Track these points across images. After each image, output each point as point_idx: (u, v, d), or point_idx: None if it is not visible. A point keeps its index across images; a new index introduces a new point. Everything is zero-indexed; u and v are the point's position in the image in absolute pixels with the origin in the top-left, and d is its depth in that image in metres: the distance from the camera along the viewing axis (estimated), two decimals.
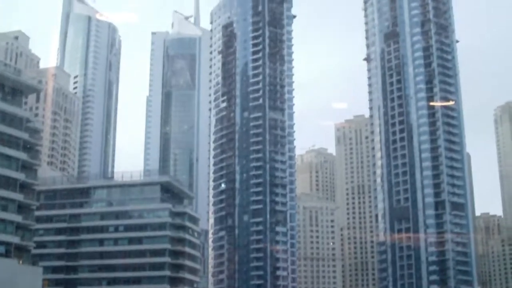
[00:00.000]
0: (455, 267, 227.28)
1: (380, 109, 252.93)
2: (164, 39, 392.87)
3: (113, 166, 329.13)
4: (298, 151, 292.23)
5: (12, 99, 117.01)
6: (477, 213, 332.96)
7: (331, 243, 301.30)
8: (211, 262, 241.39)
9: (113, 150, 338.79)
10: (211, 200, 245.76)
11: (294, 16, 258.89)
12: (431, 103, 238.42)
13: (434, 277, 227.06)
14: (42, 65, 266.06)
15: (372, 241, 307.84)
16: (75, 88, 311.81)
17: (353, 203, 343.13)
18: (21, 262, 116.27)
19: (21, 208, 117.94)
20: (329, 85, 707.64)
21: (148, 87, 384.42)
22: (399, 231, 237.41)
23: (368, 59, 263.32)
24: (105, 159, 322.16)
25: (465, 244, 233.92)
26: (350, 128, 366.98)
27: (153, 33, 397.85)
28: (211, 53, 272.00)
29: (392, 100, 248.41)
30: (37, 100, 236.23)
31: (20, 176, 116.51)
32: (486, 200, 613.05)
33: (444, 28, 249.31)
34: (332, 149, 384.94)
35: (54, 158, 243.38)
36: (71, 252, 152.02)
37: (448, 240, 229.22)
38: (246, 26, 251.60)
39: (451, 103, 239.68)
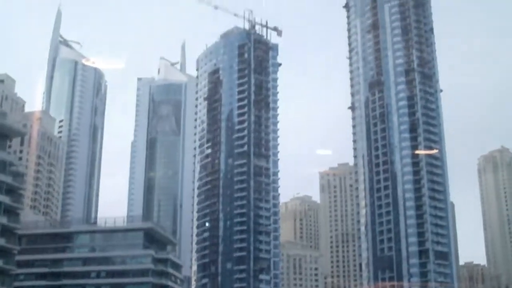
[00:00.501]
0: None
1: (365, 157, 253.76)
2: (150, 85, 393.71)
3: (96, 211, 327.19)
4: (282, 199, 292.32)
5: None
6: (461, 262, 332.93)
7: None
8: None
9: (97, 195, 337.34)
10: (195, 246, 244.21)
11: (280, 64, 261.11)
12: (415, 152, 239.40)
13: None
14: (27, 109, 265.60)
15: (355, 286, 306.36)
16: (60, 132, 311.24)
17: (337, 251, 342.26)
18: None
19: (2, 252, 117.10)
20: (314, 133, 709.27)
21: (133, 132, 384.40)
22: (383, 280, 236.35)
23: (352, 107, 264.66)
24: (89, 204, 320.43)
25: None
26: (334, 176, 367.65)
27: (139, 79, 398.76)
28: (196, 99, 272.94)
29: (377, 148, 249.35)
30: (22, 143, 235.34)
31: (2, 219, 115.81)
32: (470, 249, 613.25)
33: (428, 77, 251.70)
34: (316, 197, 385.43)
35: (37, 202, 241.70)
36: None
37: None
38: (232, 73, 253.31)
39: (435, 151, 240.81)
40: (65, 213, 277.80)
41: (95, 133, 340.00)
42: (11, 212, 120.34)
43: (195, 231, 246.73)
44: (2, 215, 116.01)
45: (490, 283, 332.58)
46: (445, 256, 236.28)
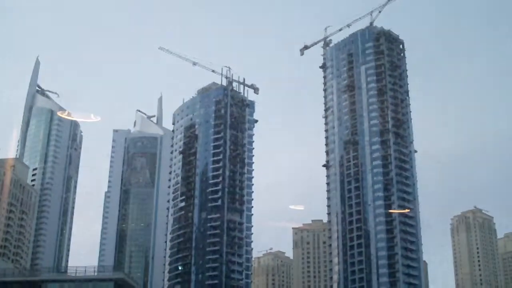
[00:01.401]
0: None
1: (338, 215, 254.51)
2: (126, 137, 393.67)
3: (67, 260, 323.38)
4: (255, 253, 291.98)
5: None
6: None
7: None
8: None
9: (68, 244, 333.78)
10: None
11: (256, 121, 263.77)
12: (389, 211, 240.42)
13: None
14: (1, 156, 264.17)
15: None
16: (33, 180, 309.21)
17: None
18: None
19: None
20: (288, 189, 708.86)
21: (107, 183, 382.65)
22: None
23: (327, 165, 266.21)
24: (59, 252, 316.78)
25: None
26: (308, 232, 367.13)
27: (115, 131, 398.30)
28: (172, 152, 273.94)
29: (350, 206, 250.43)
30: None
31: None
32: None
33: (403, 138, 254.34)
34: (289, 253, 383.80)
35: (7, 250, 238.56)
36: None
37: None
38: (208, 128, 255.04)
39: (407, 211, 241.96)
40: (35, 261, 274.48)
41: (68, 182, 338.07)
42: None
43: (166, 283, 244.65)
44: None
45: None
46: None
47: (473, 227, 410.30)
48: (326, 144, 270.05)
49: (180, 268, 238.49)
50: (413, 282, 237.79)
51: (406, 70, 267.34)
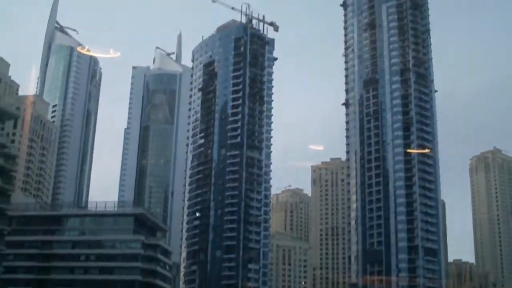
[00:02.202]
0: None
1: (357, 153, 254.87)
2: (145, 74, 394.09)
3: (87, 196, 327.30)
4: (274, 191, 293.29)
5: None
6: (450, 259, 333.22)
7: (303, 282, 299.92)
8: None
9: (88, 180, 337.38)
10: (185, 234, 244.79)
11: (275, 59, 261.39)
12: (408, 151, 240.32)
13: None
14: (21, 93, 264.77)
15: (344, 282, 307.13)
16: (53, 117, 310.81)
17: (327, 244, 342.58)
18: None
19: None
20: (307, 127, 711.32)
21: (126, 119, 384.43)
22: (372, 273, 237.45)
23: (346, 104, 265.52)
24: (80, 188, 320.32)
25: None
26: (326, 170, 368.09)
27: (134, 67, 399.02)
28: (191, 90, 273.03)
29: (369, 145, 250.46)
30: (14, 126, 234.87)
31: None
32: (459, 247, 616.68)
33: (423, 77, 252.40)
34: (307, 190, 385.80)
35: (28, 185, 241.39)
36: (41, 278, 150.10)
37: (420, 285, 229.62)
38: (227, 65, 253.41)
39: (427, 151, 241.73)
40: (56, 196, 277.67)
41: (88, 119, 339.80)
42: (2, 194, 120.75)
43: (185, 218, 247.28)
44: None
45: (478, 281, 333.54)
46: (434, 253, 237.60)
47: (492, 167, 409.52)
48: (346, 83, 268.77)
49: (197, 214, 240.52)
50: (430, 220, 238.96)
51: (428, 9, 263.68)
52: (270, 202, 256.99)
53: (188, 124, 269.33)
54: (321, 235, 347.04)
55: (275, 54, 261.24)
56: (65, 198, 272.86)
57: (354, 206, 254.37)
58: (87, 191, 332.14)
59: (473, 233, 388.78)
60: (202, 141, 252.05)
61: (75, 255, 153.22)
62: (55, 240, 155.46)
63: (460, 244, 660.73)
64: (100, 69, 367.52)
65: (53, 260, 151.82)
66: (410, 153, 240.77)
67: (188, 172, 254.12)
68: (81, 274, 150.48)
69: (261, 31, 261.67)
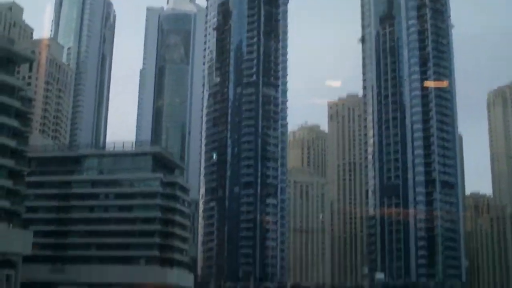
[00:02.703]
0: (444, 243, 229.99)
1: (374, 89, 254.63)
2: (159, 15, 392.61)
3: (105, 137, 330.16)
4: (290, 127, 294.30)
5: (5, 68, 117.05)
6: (467, 193, 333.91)
7: (321, 216, 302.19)
8: (201, 231, 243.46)
9: (105, 121, 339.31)
10: (202, 171, 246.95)
11: None
12: (425, 84, 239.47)
13: (422, 252, 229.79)
14: (35, 36, 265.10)
15: (361, 216, 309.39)
16: (68, 59, 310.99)
17: (344, 179, 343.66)
18: (11, 226, 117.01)
19: (12, 174, 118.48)
20: (323, 64, 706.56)
21: (141, 60, 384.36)
22: (389, 207, 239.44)
23: (363, 40, 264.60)
24: (97, 130, 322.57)
25: (454, 221, 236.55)
26: (343, 106, 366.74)
27: (148, 8, 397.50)
28: (206, 29, 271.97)
29: (386, 80, 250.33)
30: (30, 70, 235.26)
31: (11, 142, 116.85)
32: (476, 180, 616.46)
33: (440, 13, 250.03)
34: (324, 126, 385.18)
35: (45, 127, 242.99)
36: (62, 217, 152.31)
37: (437, 217, 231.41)
38: (241, 4, 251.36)
39: (444, 83, 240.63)
40: (73, 138, 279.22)
41: (103, 60, 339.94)
42: (20, 136, 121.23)
43: (203, 156, 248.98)
44: (11, 138, 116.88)
45: (495, 213, 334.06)
46: (451, 186, 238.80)
47: (510, 101, 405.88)
48: (362, 19, 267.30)
49: (214, 156, 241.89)
50: (447, 154, 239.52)
51: None
52: (287, 139, 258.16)
53: (203, 63, 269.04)
54: (338, 170, 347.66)
55: None
56: (82, 139, 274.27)
57: (371, 141, 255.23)
58: (105, 133, 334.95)
59: (490, 166, 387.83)
60: (217, 80, 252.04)
61: (94, 194, 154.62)
62: (74, 180, 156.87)
63: (477, 177, 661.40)
64: (114, 11, 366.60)
65: (73, 199, 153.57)
66: (427, 88, 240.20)
67: (205, 111, 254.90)
68: (100, 213, 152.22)
69: None
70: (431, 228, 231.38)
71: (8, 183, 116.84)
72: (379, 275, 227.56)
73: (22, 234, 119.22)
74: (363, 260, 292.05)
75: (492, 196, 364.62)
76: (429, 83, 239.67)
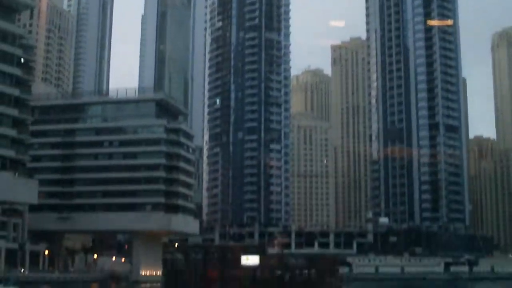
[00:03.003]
0: (447, 187, 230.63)
1: (377, 32, 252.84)
2: None
3: (107, 84, 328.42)
4: (293, 72, 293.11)
5: (5, 16, 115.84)
6: (471, 136, 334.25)
7: (325, 161, 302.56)
8: (205, 177, 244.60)
9: (108, 68, 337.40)
10: (206, 117, 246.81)
11: None
12: (429, 23, 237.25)
13: (426, 196, 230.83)
14: None
15: (365, 159, 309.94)
16: (69, 6, 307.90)
17: (347, 123, 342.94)
18: (17, 175, 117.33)
19: (16, 123, 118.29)
20: (326, 7, 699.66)
21: (143, 6, 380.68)
22: (393, 151, 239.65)
23: None
24: (100, 77, 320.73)
25: (458, 165, 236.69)
26: (346, 49, 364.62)
27: None
28: None
29: (389, 23, 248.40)
30: (31, 17, 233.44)
31: (14, 91, 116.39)
32: (480, 123, 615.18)
33: None
34: (327, 71, 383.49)
35: (48, 75, 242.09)
36: (67, 166, 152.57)
37: (441, 161, 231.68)
38: None
39: (448, 22, 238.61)
40: (76, 85, 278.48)
41: (104, 7, 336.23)
42: (23, 84, 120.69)
43: (206, 102, 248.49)
44: (14, 87, 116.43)
45: (498, 157, 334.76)
46: (455, 129, 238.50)
47: None
48: None
49: (217, 102, 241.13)
50: (451, 97, 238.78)
51: None
52: (290, 83, 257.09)
53: (205, 7, 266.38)
54: (341, 114, 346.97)
55: None
56: (85, 87, 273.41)
57: (374, 85, 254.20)
58: (107, 80, 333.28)
59: (494, 109, 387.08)
60: (220, 24, 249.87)
61: (98, 142, 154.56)
62: (78, 128, 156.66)
63: (481, 121, 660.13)
64: None
65: (77, 147, 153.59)
66: (430, 30, 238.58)
67: (207, 56, 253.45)
68: (105, 160, 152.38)
69: None
70: (435, 172, 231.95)
71: (12, 132, 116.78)
72: (383, 219, 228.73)
73: (27, 183, 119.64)
74: (367, 205, 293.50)
75: (496, 139, 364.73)
76: (433, 22, 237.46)
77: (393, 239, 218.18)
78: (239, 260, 61.20)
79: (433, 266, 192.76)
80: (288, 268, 61.30)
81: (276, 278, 60.60)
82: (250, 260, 60.41)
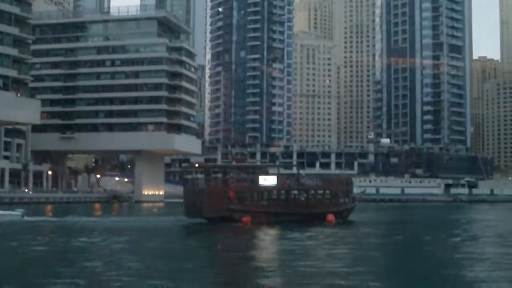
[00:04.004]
0: (449, 108, 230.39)
1: None
2: None
3: (109, 1, 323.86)
4: None
5: None
6: (475, 57, 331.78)
7: (327, 81, 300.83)
8: (207, 96, 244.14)
9: None
10: (208, 36, 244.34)
11: None
12: None
13: (428, 117, 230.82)
14: None
15: (368, 79, 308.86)
16: None
17: (351, 42, 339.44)
18: (19, 94, 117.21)
19: (17, 42, 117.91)
20: None
21: None
22: (396, 71, 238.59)
23: None
24: None
25: (460, 86, 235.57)
26: None
27: None
28: None
29: None
30: None
31: (14, 9, 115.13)
32: (484, 44, 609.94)
33: None
34: None
35: None
36: (68, 85, 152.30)
37: (444, 82, 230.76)
38: None
39: None
40: (77, 3, 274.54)
41: None
42: (23, 2, 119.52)
43: (208, 20, 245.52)
44: (14, 4, 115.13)
45: (502, 78, 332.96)
46: (459, 49, 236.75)
47: None
48: None
49: (220, 20, 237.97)
50: (456, 17, 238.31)
51: None
52: (293, 1, 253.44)
53: None
54: (345, 33, 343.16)
55: None
56: (87, 5, 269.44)
57: (378, 3, 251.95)
58: None
59: (499, 30, 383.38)
60: None
61: (100, 61, 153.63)
62: (79, 47, 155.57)
63: (485, 42, 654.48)
64: None
65: (79, 67, 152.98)
66: None
67: None
68: (107, 80, 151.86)
69: None
70: (438, 93, 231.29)
71: (14, 52, 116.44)
72: (385, 140, 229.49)
73: (30, 103, 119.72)
74: (369, 125, 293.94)
75: (500, 61, 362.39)
76: None
77: (394, 160, 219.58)
78: (257, 180, 62.63)
79: (433, 187, 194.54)
80: (304, 189, 62.69)
81: (292, 198, 62.04)
82: (268, 180, 61.91)
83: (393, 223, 71.51)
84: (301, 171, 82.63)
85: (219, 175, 64.70)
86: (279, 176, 64.52)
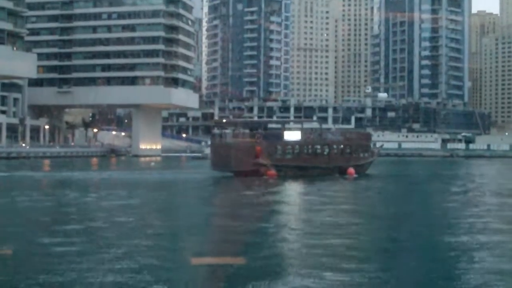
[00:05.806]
0: (447, 62, 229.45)
1: None
2: None
3: None
4: None
5: None
6: (474, 11, 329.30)
7: (325, 34, 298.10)
8: (205, 50, 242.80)
9: None
10: None
11: None
12: None
13: (425, 72, 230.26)
14: None
15: (366, 33, 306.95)
16: None
17: None
18: (15, 48, 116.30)
19: None
20: None
21: None
22: (394, 25, 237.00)
23: None
24: None
25: (459, 40, 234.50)
26: None
27: None
28: None
29: None
30: None
31: None
32: None
33: None
34: None
35: None
36: (65, 39, 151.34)
37: (442, 36, 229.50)
38: None
39: None
40: None
41: None
42: None
43: None
44: None
45: (501, 33, 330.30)
46: (458, 3, 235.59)
47: None
48: None
49: None
50: None
51: None
52: None
53: None
54: None
55: None
56: None
57: None
58: None
59: None
60: None
61: (96, 14, 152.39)
62: None
63: None
64: None
65: (75, 20, 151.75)
66: None
67: None
68: (104, 33, 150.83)
69: None
70: (436, 47, 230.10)
71: (9, 4, 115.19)
72: (382, 95, 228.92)
73: (26, 57, 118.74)
74: (366, 79, 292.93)
75: (499, 15, 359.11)
76: None
77: (391, 114, 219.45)
78: (282, 134, 65.38)
79: (430, 142, 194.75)
80: (327, 143, 64.76)
81: (315, 152, 65.01)
82: (292, 135, 64.70)
83: (409, 176, 77.39)
84: (323, 126, 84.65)
85: (247, 130, 66.13)
86: (303, 131, 66.82)
